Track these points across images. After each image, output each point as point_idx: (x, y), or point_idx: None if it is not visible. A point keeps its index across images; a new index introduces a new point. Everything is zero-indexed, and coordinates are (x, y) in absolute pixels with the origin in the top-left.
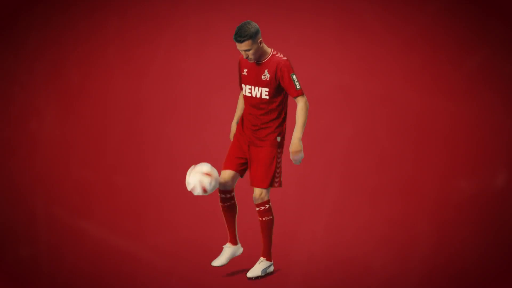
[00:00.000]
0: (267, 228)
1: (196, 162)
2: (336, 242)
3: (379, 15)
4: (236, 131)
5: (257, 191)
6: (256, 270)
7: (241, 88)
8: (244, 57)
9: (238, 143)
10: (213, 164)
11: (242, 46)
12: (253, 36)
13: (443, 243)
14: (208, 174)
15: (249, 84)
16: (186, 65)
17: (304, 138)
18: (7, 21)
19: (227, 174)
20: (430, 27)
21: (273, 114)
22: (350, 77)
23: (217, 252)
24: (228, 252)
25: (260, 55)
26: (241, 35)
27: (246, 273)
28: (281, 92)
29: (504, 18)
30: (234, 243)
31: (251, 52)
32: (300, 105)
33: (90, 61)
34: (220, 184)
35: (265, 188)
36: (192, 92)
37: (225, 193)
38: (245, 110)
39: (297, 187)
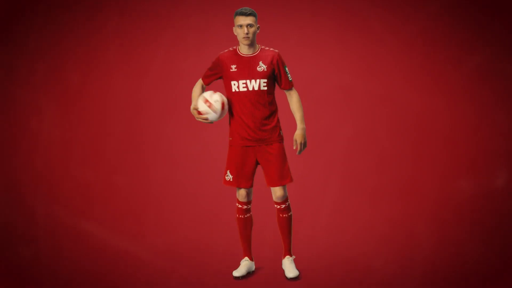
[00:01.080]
0: (289, 224)
1: (196, 162)
2: (336, 242)
3: (379, 15)
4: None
5: (280, 190)
6: (294, 270)
7: (205, 81)
8: (244, 32)
9: (236, 153)
10: (213, 164)
11: (247, 20)
12: (256, 16)
13: (443, 243)
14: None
15: (242, 79)
16: (186, 65)
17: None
18: (7, 21)
19: (242, 191)
20: (430, 27)
21: (271, 107)
22: (350, 77)
23: (217, 252)
24: (247, 265)
25: (252, 44)
26: (247, 9)
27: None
28: (274, 84)
29: (504, 18)
30: (251, 258)
31: (252, 29)
32: (296, 97)
33: (90, 61)
34: (240, 195)
35: (286, 184)
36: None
37: (244, 204)
38: (238, 111)
39: (297, 187)
